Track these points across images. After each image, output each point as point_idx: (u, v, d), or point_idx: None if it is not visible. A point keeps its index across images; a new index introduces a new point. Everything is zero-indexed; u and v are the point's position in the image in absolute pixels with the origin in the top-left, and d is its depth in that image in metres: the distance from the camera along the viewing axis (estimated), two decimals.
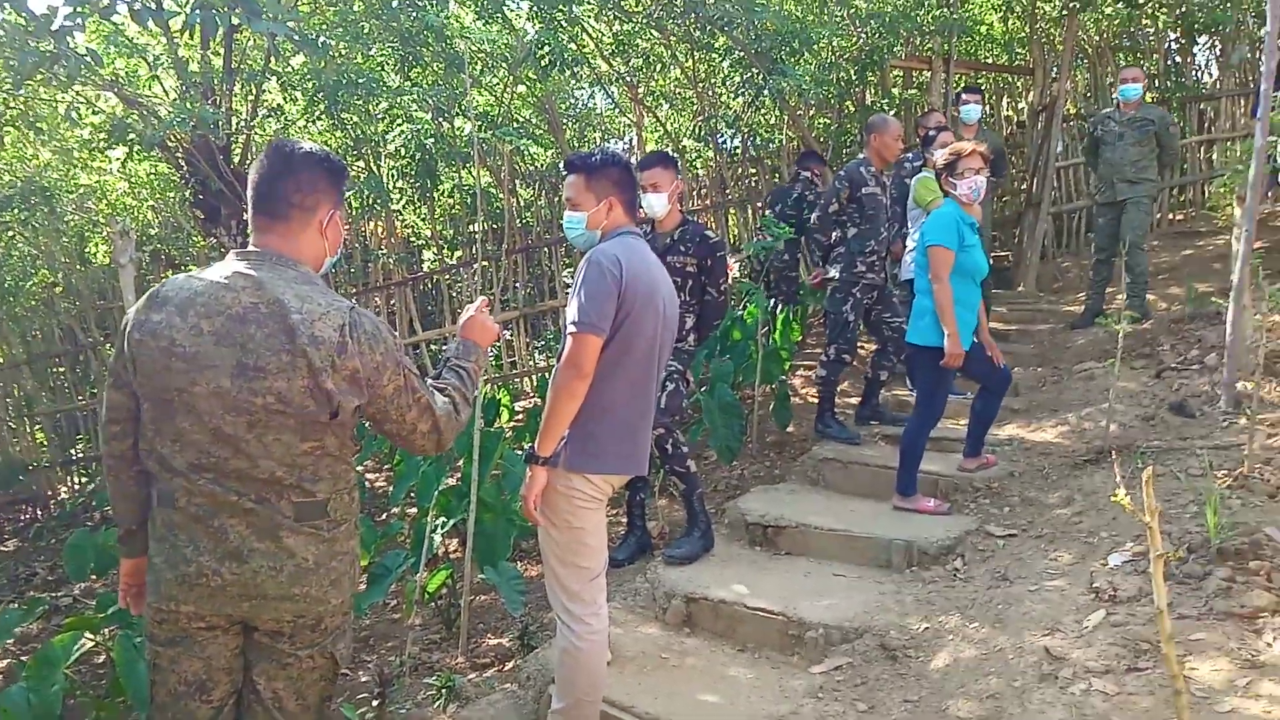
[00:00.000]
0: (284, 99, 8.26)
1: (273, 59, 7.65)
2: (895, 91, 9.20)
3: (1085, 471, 4.03)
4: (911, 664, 2.96)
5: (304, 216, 2.01)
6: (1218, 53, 10.44)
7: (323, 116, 8.07)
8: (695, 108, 9.69)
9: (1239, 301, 4.21)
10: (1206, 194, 9.27)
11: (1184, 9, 9.40)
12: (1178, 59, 10.53)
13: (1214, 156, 9.46)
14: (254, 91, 7.89)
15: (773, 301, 6.62)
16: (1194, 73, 10.64)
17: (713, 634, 3.52)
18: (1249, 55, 9.63)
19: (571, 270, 8.13)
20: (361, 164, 8.69)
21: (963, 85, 7.60)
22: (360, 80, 7.05)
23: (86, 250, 10.02)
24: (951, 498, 4.20)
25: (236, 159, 7.86)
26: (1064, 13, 8.38)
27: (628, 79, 9.29)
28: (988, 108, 9.81)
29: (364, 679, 3.77)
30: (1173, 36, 10.46)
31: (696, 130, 9.61)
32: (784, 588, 3.61)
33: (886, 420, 5.20)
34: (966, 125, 6.66)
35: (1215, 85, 10.11)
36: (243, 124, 7.87)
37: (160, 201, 9.87)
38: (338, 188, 2.07)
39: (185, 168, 7.65)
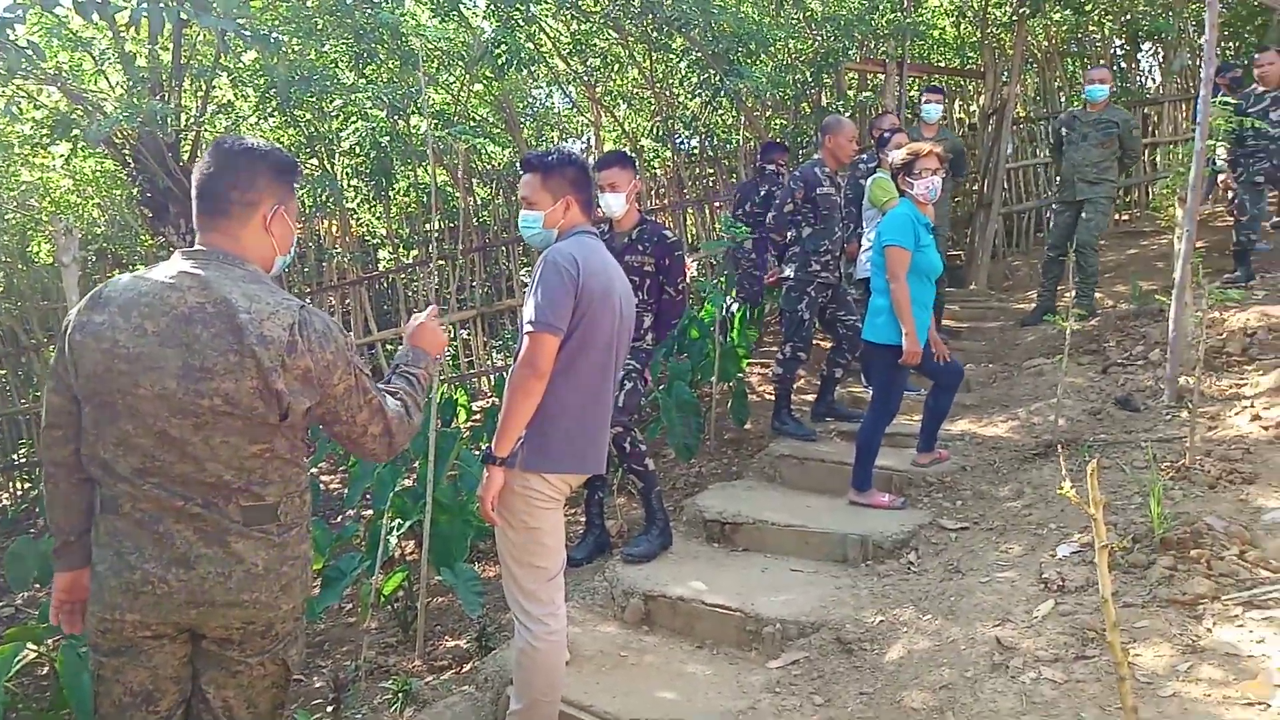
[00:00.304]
0: (235, 95, 8.12)
1: (223, 54, 7.52)
2: (850, 93, 9.31)
3: (1035, 465, 4.12)
4: (867, 656, 3.00)
5: (244, 214, 1.97)
6: (1161, 59, 10.73)
7: (275, 113, 7.96)
8: (653, 108, 9.71)
9: (1181, 299, 4.33)
10: (1151, 195, 9.52)
11: (1129, 17, 9.64)
12: (1123, 65, 10.81)
13: (1157, 159, 9.72)
14: (204, 87, 7.75)
15: (730, 300, 6.64)
16: (1138, 78, 10.93)
17: (671, 631, 3.53)
18: (1190, 62, 9.91)
19: (529, 269, 8.11)
20: (315, 161, 8.57)
21: (924, 85, 7.71)
22: (314, 77, 6.96)
23: (29, 249, 9.75)
24: (906, 492, 4.27)
25: (185, 156, 7.71)
26: (1014, 18, 8.55)
27: (585, 78, 9.29)
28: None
29: (318, 684, 3.72)
30: (1118, 43, 10.74)
31: (654, 130, 9.63)
32: (741, 584, 3.63)
33: (842, 417, 5.26)
34: (927, 124, 6.75)
35: (1159, 90, 10.39)
36: (192, 120, 7.72)
37: (106, 199, 9.65)
38: (283, 184, 2.04)
39: (132, 164, 7.48)
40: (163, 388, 1.83)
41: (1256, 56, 6.60)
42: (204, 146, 7.78)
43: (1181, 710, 2.28)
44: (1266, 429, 3.72)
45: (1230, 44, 10.01)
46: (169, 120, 6.75)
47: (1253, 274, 6.18)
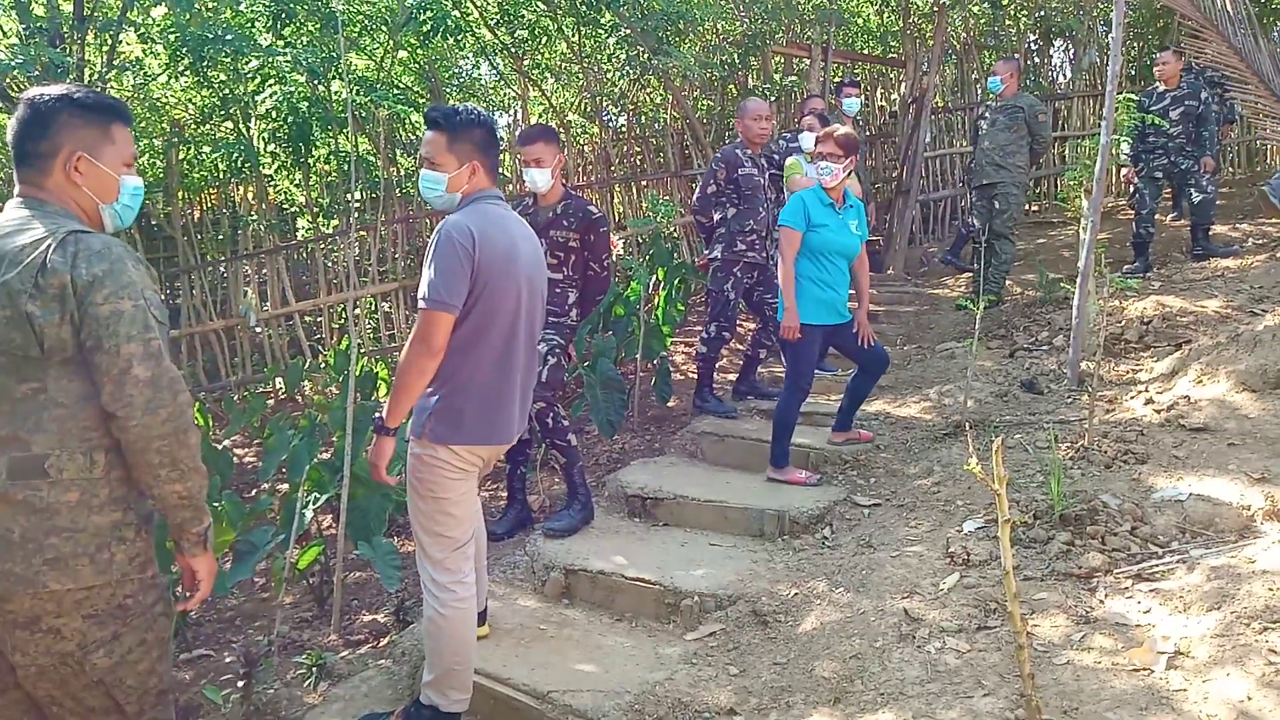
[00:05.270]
0: (144, 52, 7.74)
1: (132, 9, 7.15)
2: (777, 77, 9.40)
3: (944, 444, 4.27)
4: (781, 628, 3.08)
5: (42, 163, 1.91)
6: (1071, 56, 11.13)
7: (187, 73, 7.62)
8: (581, 83, 9.64)
9: (1084, 287, 4.53)
10: (1059, 187, 9.89)
11: (1042, 13, 9.95)
12: (1036, 60, 11.17)
13: (1065, 152, 10.09)
14: (109, 42, 7.36)
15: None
16: (1050, 73, 11.31)
17: (591, 605, 3.56)
18: (1098, 60, 10.30)
19: None
20: (230, 125, 8.25)
21: (842, 78, 7.84)
22: (228, 36, 6.68)
23: None
24: (822, 469, 4.37)
25: None
26: (934, 9, 8.74)
27: (513, 50, 9.15)
28: (864, 98, 10.16)
29: (229, 660, 3.63)
30: (1032, 38, 11.09)
31: (582, 106, 9.56)
32: (661, 558, 3.68)
33: (762, 395, 5.35)
34: (847, 117, 6.91)
35: (1069, 86, 10.77)
36: (97, 77, 7.34)
37: (3, 155, 9.11)
38: (89, 127, 1.93)
39: None
40: None
41: (1156, 56, 6.90)
42: None
43: (1074, 677, 2.40)
44: (1159, 412, 3.93)
45: (1135, 44, 10.44)
46: (70, 74, 6.40)
47: (1150, 265, 6.49)
